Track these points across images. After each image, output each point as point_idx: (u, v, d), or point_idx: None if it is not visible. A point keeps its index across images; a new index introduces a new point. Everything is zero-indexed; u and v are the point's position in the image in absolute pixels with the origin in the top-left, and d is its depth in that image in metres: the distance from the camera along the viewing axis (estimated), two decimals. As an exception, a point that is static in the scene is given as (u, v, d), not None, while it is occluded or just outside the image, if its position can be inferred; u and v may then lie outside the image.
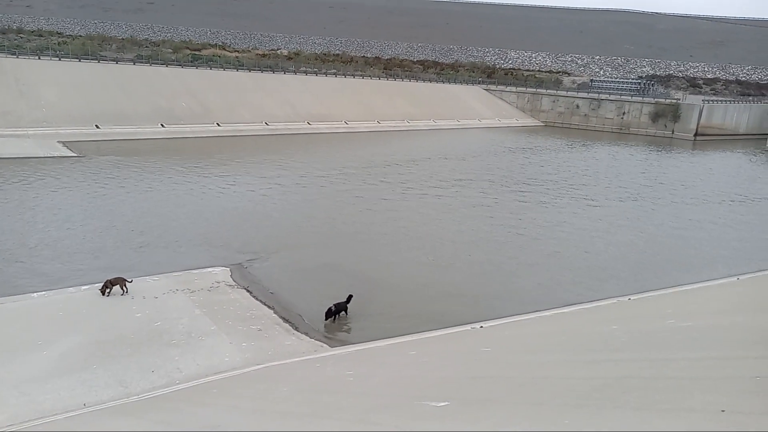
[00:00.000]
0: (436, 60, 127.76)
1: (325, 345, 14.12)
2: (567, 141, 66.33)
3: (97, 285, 15.81)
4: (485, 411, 7.36)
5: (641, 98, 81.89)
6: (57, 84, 45.74)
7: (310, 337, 14.51)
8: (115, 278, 15.83)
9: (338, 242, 22.98)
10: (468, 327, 15.02)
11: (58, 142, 38.14)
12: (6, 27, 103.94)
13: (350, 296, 16.19)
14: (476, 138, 63.67)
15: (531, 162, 48.47)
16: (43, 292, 15.82)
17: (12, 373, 11.56)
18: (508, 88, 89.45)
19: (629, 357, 8.67)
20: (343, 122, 59.84)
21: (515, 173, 42.18)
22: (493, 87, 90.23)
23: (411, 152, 49.14)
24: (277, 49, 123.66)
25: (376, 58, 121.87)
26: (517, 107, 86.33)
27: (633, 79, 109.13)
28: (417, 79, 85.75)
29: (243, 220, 24.76)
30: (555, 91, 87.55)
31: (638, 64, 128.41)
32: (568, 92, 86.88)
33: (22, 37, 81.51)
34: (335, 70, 78.94)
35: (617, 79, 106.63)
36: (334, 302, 15.77)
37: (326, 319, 15.47)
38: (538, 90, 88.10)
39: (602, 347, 10.05)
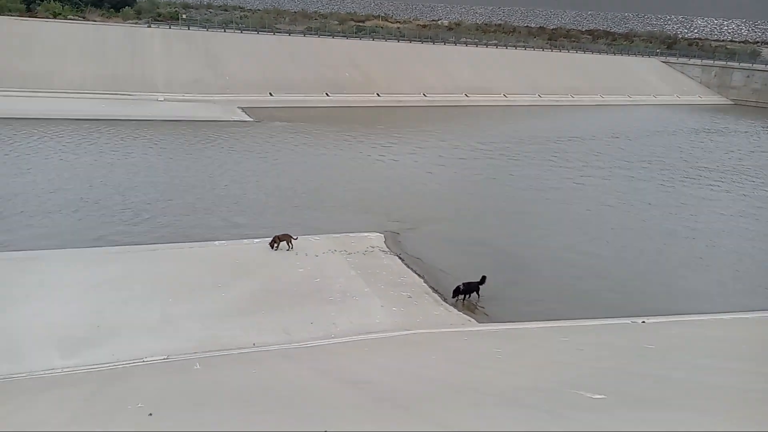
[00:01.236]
0: (608, 29, 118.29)
1: (472, 320, 14.11)
2: (763, 123, 57.76)
3: (266, 239, 17.33)
4: (646, 411, 6.85)
5: None
6: (238, 54, 50.31)
7: (458, 310, 14.58)
8: (283, 234, 17.22)
9: (491, 219, 22.62)
10: (628, 320, 14.00)
11: (238, 107, 42.09)
12: (199, 3, 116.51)
13: (484, 277, 15.43)
14: (650, 115, 58.09)
15: (717, 146, 43.03)
16: (223, 241, 17.80)
17: (198, 308, 13.26)
18: (692, 61, 79.78)
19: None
20: (501, 95, 58.14)
21: (696, 157, 37.81)
22: (673, 59, 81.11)
23: (575, 129, 46.35)
24: (438, 20, 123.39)
25: (541, 27, 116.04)
26: (701, 83, 76.83)
27: None
28: (585, 50, 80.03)
29: (399, 189, 25.39)
30: (750, 65, 76.19)
31: None
32: (768, 66, 75.18)
33: (211, 12, 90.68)
34: (496, 41, 76.65)
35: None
36: (465, 281, 15.14)
37: (453, 297, 14.94)
38: (728, 63, 77.40)
39: (795, 362, 8.76)
